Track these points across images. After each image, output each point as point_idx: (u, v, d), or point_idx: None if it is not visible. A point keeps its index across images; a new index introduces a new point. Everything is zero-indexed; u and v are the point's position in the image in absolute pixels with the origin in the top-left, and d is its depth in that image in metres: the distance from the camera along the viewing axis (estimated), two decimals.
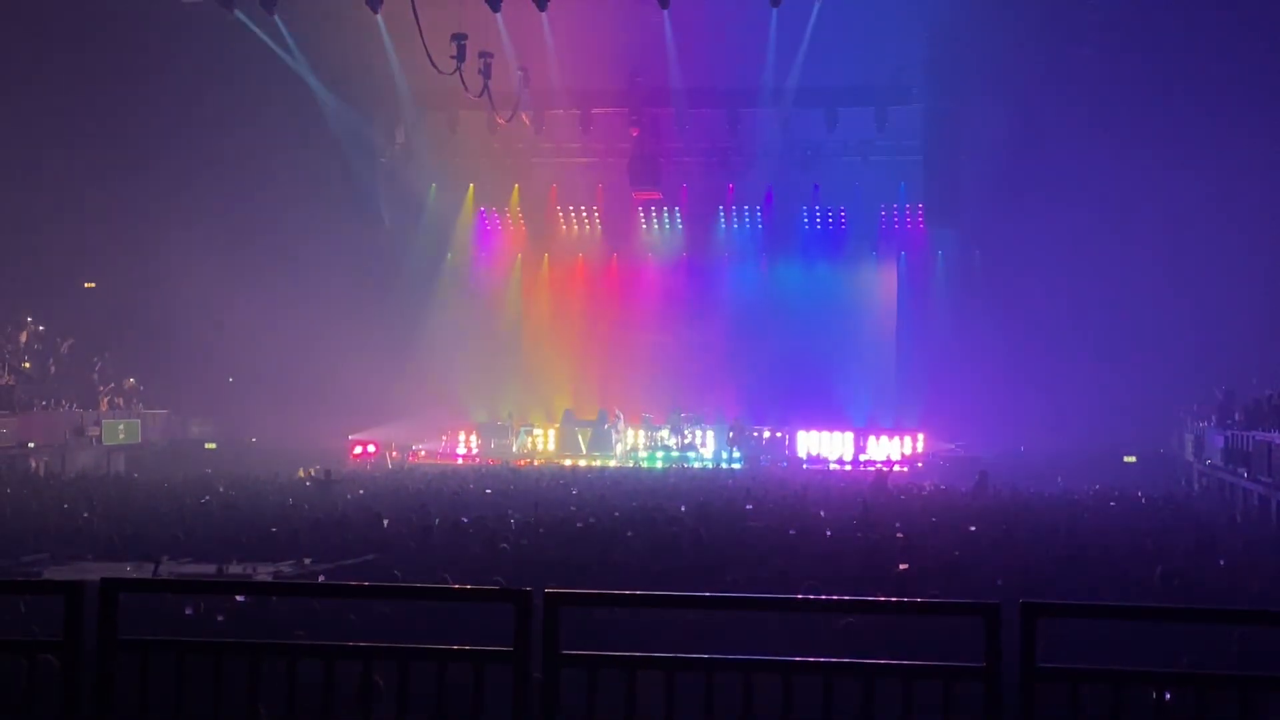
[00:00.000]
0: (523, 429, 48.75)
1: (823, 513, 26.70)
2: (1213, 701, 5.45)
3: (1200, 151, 39.31)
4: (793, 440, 46.96)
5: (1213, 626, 10.11)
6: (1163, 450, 43.98)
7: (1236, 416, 36.45)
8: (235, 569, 19.21)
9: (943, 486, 34.82)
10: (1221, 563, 19.30)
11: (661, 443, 47.19)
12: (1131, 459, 41.65)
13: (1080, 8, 39.18)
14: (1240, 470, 33.88)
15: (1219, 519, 29.72)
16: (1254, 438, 32.77)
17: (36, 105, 40.31)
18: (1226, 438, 36.46)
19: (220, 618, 12.90)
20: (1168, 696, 5.61)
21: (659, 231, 52.82)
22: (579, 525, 23.79)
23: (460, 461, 46.44)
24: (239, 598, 13.61)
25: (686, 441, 46.53)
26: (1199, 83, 38.74)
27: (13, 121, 40.47)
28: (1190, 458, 41.86)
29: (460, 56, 38.04)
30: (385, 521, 24.63)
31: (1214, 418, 39.18)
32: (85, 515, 26.97)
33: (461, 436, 49.08)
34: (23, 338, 46.87)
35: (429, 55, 37.19)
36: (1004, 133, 41.64)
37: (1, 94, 39.94)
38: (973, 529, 23.06)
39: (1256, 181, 38.99)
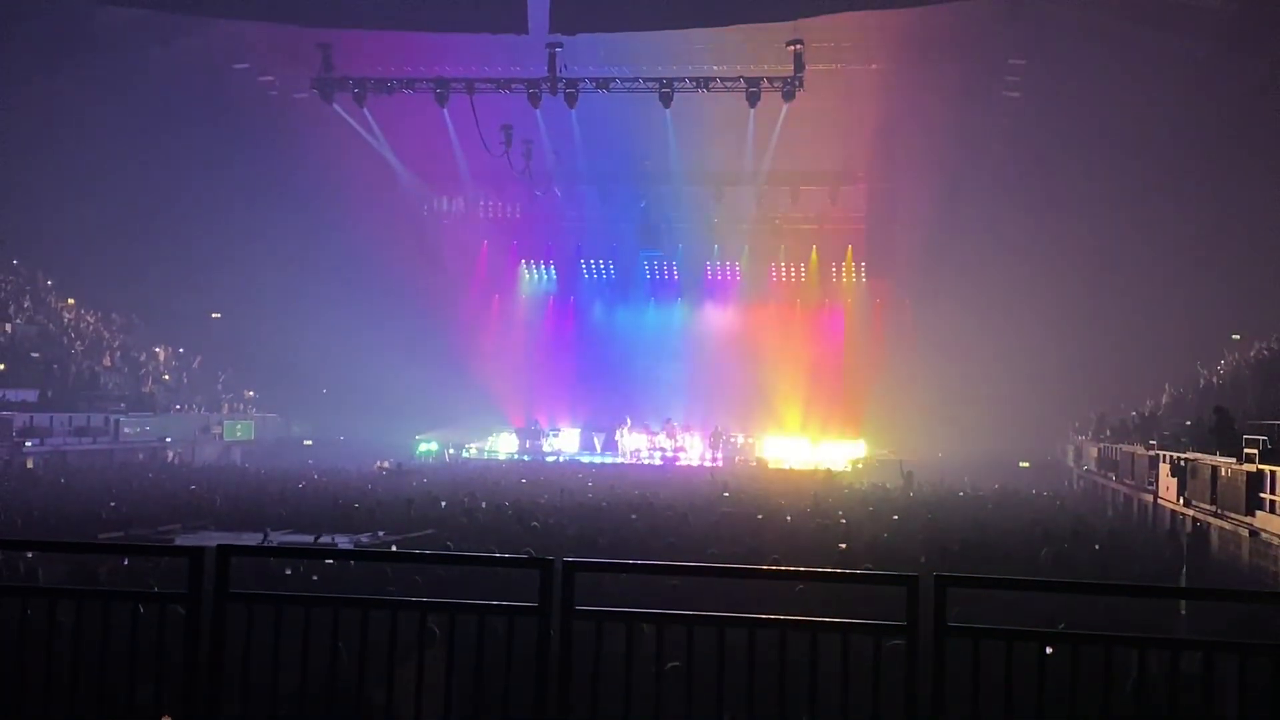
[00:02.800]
0: (550, 431, 48.64)
1: (783, 502, 26.61)
2: (1084, 655, 5.43)
3: (1076, 227, 39.53)
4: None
5: (1086, 596, 10.08)
6: (1050, 458, 43.90)
7: (1107, 432, 36.39)
8: (325, 539, 19.17)
9: (877, 483, 34.67)
10: (1096, 547, 19.23)
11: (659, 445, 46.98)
12: (1026, 464, 41.54)
13: (990, 113, 39.34)
14: (1110, 474, 33.81)
15: (1093, 513, 29.66)
16: (1120, 449, 32.74)
17: (177, 181, 40.54)
18: (1100, 449, 36.41)
19: (315, 577, 12.87)
20: (1049, 650, 5.59)
21: (660, 280, 52.92)
22: (594, 509, 23.76)
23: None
24: (327, 561, 13.58)
25: (678, 445, 46.39)
26: (1079, 171, 38.91)
27: (158, 198, 40.79)
28: (1071, 464, 41.78)
29: (507, 142, 38.33)
30: (443, 503, 24.56)
31: (1090, 433, 39.14)
32: (209, 495, 26.99)
33: (503, 438, 49.07)
34: (162, 356, 47.00)
35: (483, 140, 37.50)
36: (928, 208, 41.75)
37: (148, 178, 40.23)
38: (895, 518, 22.94)
39: (1119, 250, 39.16)
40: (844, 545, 16.91)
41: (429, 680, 5.84)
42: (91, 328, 44.64)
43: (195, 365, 47.99)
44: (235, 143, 41.43)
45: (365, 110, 39.74)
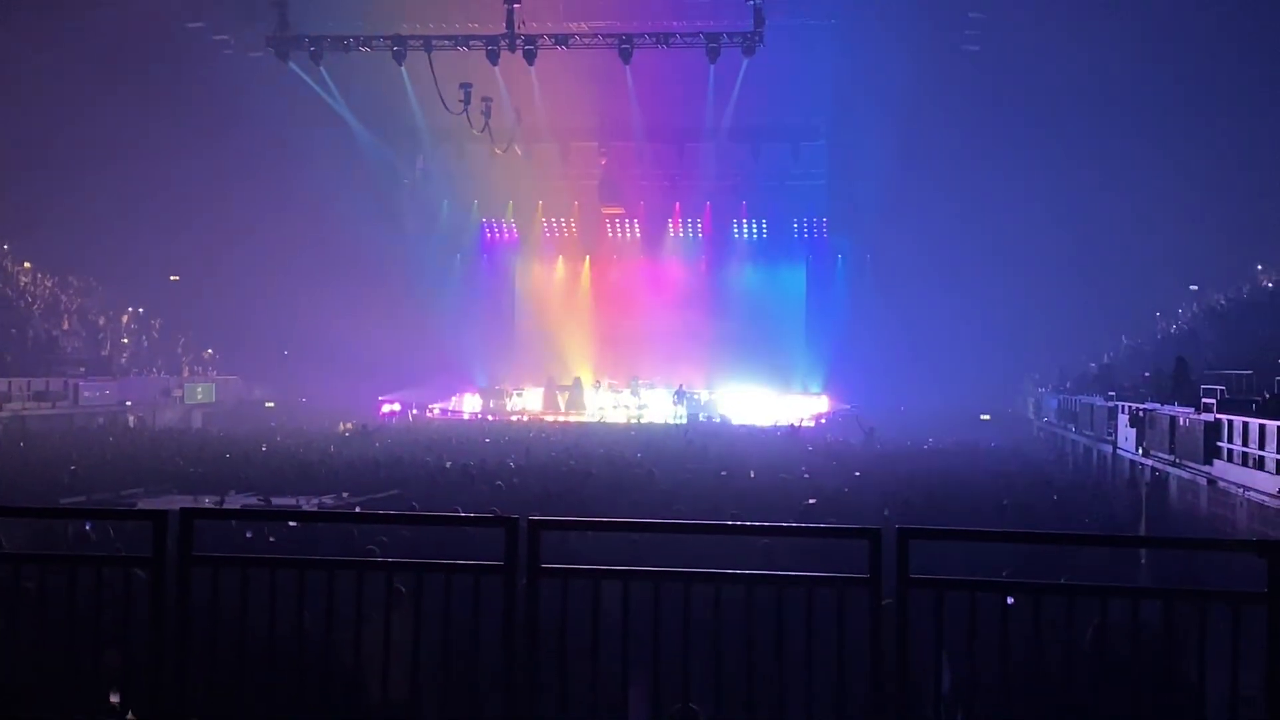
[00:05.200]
0: (515, 392, 48.58)
1: (747, 458, 26.66)
2: (1045, 604, 5.49)
3: (1034, 180, 39.69)
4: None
5: (1046, 545, 10.19)
6: (1010, 410, 44.28)
7: (1067, 385, 36.74)
8: (288, 501, 19.11)
9: (840, 438, 34.86)
10: (1054, 497, 19.42)
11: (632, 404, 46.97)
12: (986, 417, 41.91)
13: (950, 67, 39.36)
14: (1069, 426, 34.17)
15: (1053, 464, 29.97)
16: (1079, 401, 33.10)
17: (131, 143, 40.03)
18: (1059, 400, 36.77)
19: (272, 539, 12.83)
20: (1010, 600, 5.65)
21: (622, 238, 52.77)
22: (560, 468, 23.76)
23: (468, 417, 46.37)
24: (291, 524, 13.53)
25: (642, 403, 46.47)
26: (1038, 125, 39.07)
27: (114, 158, 40.28)
28: (1031, 416, 42.20)
29: (466, 100, 37.95)
30: (431, 463, 24.52)
31: (1050, 385, 39.51)
32: (171, 458, 26.84)
33: (466, 398, 48.95)
34: (124, 319, 46.61)
35: (442, 99, 37.10)
36: (889, 163, 41.76)
37: (101, 139, 39.74)
38: (857, 474, 23.05)
39: (1077, 203, 39.44)
40: (813, 500, 16.99)
41: (396, 640, 5.85)
42: (49, 291, 44.18)
43: (155, 328, 47.61)
44: (190, 103, 40.93)
45: (322, 69, 39.28)
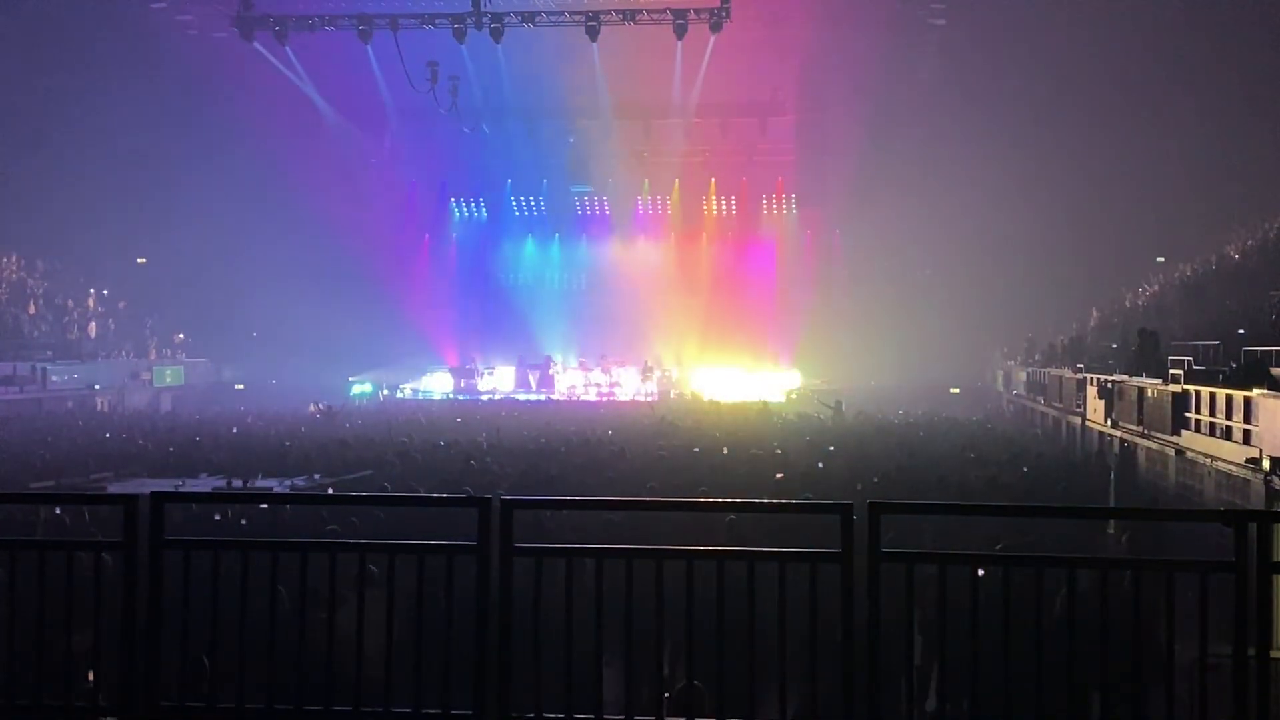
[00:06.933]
0: (485, 371, 48.40)
1: (718, 434, 26.68)
2: (1015, 576, 5.53)
3: (1002, 153, 39.69)
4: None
5: (1017, 518, 10.25)
6: (980, 383, 44.48)
7: (1036, 357, 36.92)
8: (259, 483, 19.05)
9: (811, 413, 34.93)
10: (1025, 470, 19.51)
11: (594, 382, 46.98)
12: (956, 390, 42.07)
13: (917, 41, 39.41)
14: (1038, 398, 34.36)
15: (1023, 436, 30.10)
16: (1048, 373, 33.27)
17: (96, 124, 39.64)
18: (1028, 373, 36.96)
19: (244, 522, 12.78)
20: (980, 572, 5.68)
21: (591, 216, 52.66)
22: (531, 447, 23.74)
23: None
24: (263, 506, 13.48)
25: (613, 381, 46.43)
26: (1006, 98, 39.10)
27: (78, 140, 39.86)
28: (1001, 389, 42.39)
29: (433, 79, 37.73)
30: (403, 443, 24.45)
31: (1019, 358, 39.69)
32: (140, 442, 26.69)
33: (437, 377, 48.78)
34: (90, 302, 46.23)
35: (409, 78, 36.90)
36: (857, 138, 41.82)
37: (65, 121, 39.36)
38: (831, 447, 23.08)
39: (1045, 176, 39.52)
40: (781, 475, 17.00)
41: (369, 621, 5.84)
42: (14, 275, 43.75)
43: (121, 309, 47.27)
44: (155, 84, 40.56)
45: (287, 49, 39.04)
